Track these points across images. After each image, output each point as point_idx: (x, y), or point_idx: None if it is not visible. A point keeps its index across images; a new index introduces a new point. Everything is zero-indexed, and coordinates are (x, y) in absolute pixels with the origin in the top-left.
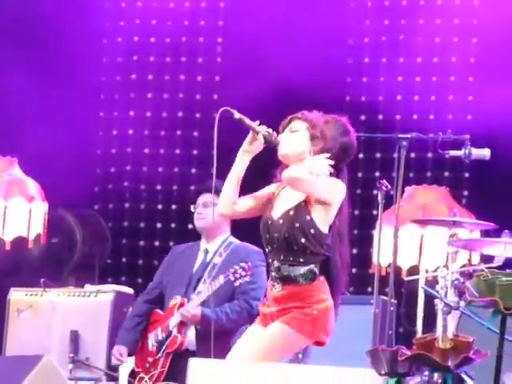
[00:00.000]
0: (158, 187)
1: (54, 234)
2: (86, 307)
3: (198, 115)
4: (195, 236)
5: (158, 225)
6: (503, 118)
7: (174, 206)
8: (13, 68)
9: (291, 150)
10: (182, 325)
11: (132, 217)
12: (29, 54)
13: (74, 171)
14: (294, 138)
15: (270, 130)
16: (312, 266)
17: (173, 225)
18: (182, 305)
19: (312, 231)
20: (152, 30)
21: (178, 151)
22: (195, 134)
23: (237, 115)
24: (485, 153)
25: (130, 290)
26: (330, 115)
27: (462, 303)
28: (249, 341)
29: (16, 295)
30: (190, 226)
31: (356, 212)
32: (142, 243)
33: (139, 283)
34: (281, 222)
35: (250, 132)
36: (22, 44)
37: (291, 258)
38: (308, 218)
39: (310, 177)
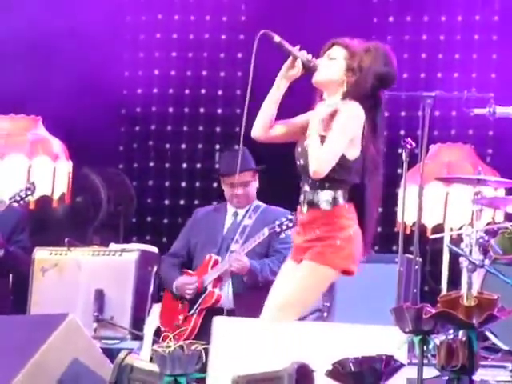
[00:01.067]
0: (183, 146)
1: (79, 193)
2: (110, 266)
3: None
4: (220, 195)
5: (183, 184)
6: None
7: (198, 165)
8: (38, 24)
9: (326, 78)
10: (218, 281)
11: (157, 176)
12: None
13: (99, 130)
14: (331, 67)
15: (310, 56)
16: (338, 191)
17: (197, 183)
18: (215, 263)
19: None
20: None
21: (202, 110)
22: (219, 93)
23: (277, 39)
24: (509, 111)
25: (155, 249)
26: (372, 43)
27: (487, 261)
28: (283, 286)
29: (40, 254)
30: (215, 185)
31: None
32: (166, 202)
33: (164, 242)
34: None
35: (290, 57)
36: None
37: (317, 184)
38: None
39: (323, 151)
